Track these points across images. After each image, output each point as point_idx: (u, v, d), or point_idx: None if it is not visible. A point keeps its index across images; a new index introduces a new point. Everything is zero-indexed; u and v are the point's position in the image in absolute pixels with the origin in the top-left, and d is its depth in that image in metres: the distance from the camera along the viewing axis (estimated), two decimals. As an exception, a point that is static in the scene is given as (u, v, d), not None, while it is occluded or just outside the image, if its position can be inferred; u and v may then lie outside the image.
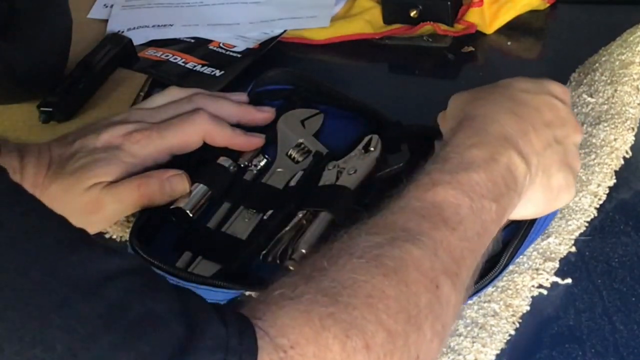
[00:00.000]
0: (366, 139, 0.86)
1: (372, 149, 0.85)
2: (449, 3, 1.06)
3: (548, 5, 1.09)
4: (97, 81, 1.05)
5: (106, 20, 1.16)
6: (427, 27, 1.07)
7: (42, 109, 1.00)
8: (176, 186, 0.84)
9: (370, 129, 0.90)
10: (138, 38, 1.11)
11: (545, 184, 0.73)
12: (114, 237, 0.86)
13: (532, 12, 1.09)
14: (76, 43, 1.07)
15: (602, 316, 0.75)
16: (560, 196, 0.74)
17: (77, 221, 0.83)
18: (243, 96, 0.93)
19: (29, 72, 1.00)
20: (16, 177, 0.83)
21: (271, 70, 0.96)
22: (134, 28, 1.14)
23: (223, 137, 0.88)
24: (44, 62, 1.01)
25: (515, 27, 1.08)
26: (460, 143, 0.70)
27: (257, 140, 0.89)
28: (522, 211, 0.73)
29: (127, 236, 0.85)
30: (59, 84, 1.02)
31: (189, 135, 0.86)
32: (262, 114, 0.91)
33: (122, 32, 1.13)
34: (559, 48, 1.00)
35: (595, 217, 0.82)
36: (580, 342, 0.73)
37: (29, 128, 1.00)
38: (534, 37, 1.09)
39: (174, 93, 0.92)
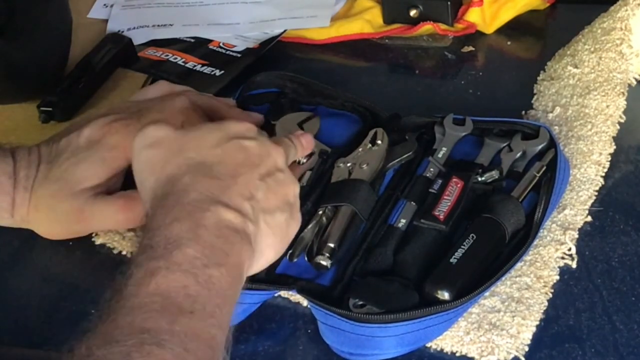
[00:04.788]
0: (371, 133, 0.87)
1: (379, 142, 0.86)
2: (449, 3, 1.06)
3: (548, 5, 1.09)
4: (97, 81, 1.04)
5: (106, 20, 1.16)
6: (427, 27, 1.07)
7: (42, 109, 1.00)
8: None
9: (365, 124, 0.91)
10: (138, 38, 1.11)
11: (271, 223, 0.70)
12: (124, 252, 0.85)
13: (532, 12, 1.09)
14: (76, 43, 1.07)
15: (602, 316, 0.75)
16: (290, 227, 0.73)
17: (61, 227, 0.84)
18: (231, 101, 0.92)
19: (29, 72, 1.00)
20: (10, 181, 0.83)
21: (258, 75, 0.96)
22: (134, 28, 1.14)
23: (209, 106, 0.87)
24: (44, 62, 1.01)
25: (515, 27, 1.08)
26: (160, 224, 0.64)
27: (258, 116, 0.90)
28: (261, 260, 0.70)
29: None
30: (59, 84, 1.02)
31: (167, 114, 0.83)
32: (252, 119, 0.90)
33: (122, 32, 1.13)
34: (559, 48, 1.00)
35: (603, 186, 0.84)
36: (580, 341, 0.73)
37: (29, 128, 1.00)
38: (534, 37, 1.09)
39: (164, 88, 0.90)
